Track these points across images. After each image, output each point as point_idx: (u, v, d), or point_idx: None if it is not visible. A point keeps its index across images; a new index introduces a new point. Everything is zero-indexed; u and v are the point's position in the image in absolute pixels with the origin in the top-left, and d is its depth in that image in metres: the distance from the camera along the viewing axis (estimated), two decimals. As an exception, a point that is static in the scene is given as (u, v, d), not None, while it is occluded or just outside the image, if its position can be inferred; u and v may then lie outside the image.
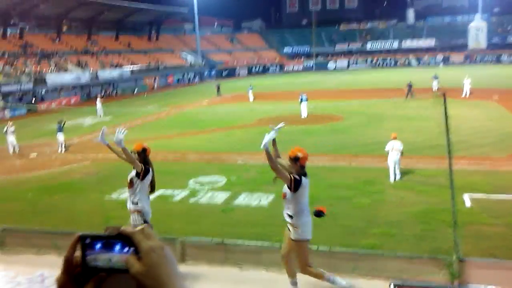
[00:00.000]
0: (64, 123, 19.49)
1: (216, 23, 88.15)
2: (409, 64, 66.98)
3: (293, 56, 76.78)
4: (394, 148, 11.95)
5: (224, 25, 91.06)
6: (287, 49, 78.52)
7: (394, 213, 9.68)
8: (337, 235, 8.41)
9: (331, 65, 71.27)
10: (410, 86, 28.90)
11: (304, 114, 23.93)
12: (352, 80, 46.95)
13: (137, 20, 63.91)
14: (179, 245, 6.97)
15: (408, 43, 72.40)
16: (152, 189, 6.74)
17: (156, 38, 67.83)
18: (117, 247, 0.75)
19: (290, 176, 5.62)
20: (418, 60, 67.61)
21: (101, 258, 0.75)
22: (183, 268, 7.00)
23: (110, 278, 0.75)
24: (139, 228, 0.78)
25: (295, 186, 5.65)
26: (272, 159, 5.68)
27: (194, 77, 62.59)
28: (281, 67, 72.36)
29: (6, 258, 7.96)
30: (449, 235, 6.80)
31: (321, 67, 69.62)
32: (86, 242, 0.76)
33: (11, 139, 18.99)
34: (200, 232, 8.48)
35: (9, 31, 47.75)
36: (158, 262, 0.75)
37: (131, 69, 52.23)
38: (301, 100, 24.09)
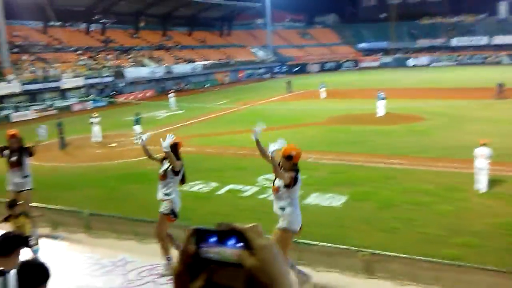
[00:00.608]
0: (140, 116, 20.51)
1: (288, 18, 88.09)
2: (499, 62, 62.76)
3: (369, 52, 74.69)
4: (481, 155, 11.26)
5: (296, 20, 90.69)
6: (362, 45, 76.46)
7: (479, 223, 9.16)
8: (414, 243, 8.12)
9: (410, 62, 68.43)
10: (500, 85, 27.14)
11: (380, 113, 23.30)
12: (434, 78, 44.89)
13: (210, 15, 65.49)
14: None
15: (499, 39, 67.76)
16: (183, 181, 7.42)
17: (228, 34, 69.14)
18: (230, 242, 0.79)
19: (291, 175, 6.03)
20: (511, 57, 63.16)
21: (214, 251, 0.79)
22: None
23: (220, 270, 0.79)
24: (250, 225, 0.82)
25: (294, 183, 6.08)
26: (266, 154, 6.23)
27: (265, 72, 63.04)
28: (356, 63, 70.78)
29: (91, 240, 8.61)
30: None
31: (400, 64, 67.15)
32: (200, 235, 0.81)
33: (95, 128, 20.35)
34: (269, 230, 8.54)
35: (92, 27, 50.91)
36: (271, 258, 0.79)
37: (203, 64, 53.70)
38: (378, 98, 23.48)
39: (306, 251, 6.96)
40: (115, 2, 49.30)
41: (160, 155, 7.50)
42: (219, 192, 12.16)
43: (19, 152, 8.57)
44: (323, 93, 33.58)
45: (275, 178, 6.26)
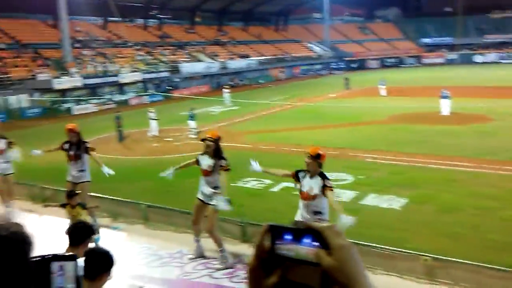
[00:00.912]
0: (194, 112, 21.02)
1: (346, 12, 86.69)
2: None
3: (433, 48, 72.14)
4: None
5: (355, 14, 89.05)
6: (426, 40, 73.95)
7: (552, 232, 8.70)
8: (478, 249, 7.84)
9: (478, 58, 65.41)
10: None
11: (445, 112, 22.56)
12: (504, 76, 42.70)
13: (266, 10, 65.71)
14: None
15: None
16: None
17: (283, 29, 69.11)
18: (306, 240, 0.82)
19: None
20: None
21: (290, 248, 0.82)
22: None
23: (295, 268, 0.82)
24: (328, 225, 0.84)
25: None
26: (279, 174, 7.05)
27: (322, 68, 62.51)
28: (418, 59, 68.60)
29: (149, 232, 9.01)
30: None
31: (466, 60, 64.33)
32: (275, 232, 0.83)
33: (153, 123, 21.14)
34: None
35: (149, 22, 52.60)
36: (348, 259, 0.80)
37: (258, 60, 54.05)
38: (442, 97, 22.74)
39: (364, 254, 6.91)
40: (173, -2, 50.63)
41: (192, 161, 7.84)
42: (273, 189, 12.25)
43: (77, 146, 9.05)
44: (383, 90, 32.88)
45: (305, 185, 6.35)
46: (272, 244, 0.83)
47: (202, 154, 7.53)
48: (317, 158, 6.23)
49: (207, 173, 7.44)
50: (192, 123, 20.53)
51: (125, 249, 8.04)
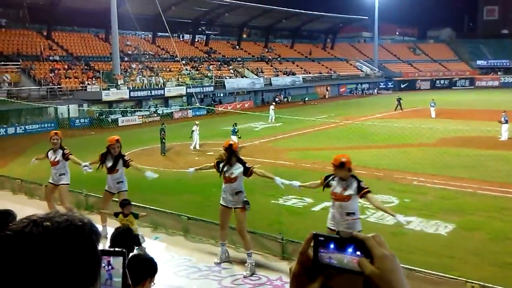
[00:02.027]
0: (237, 127, 21.29)
1: (397, 31, 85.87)
2: None
3: (488, 70, 70.20)
4: None
5: (407, 34, 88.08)
6: (480, 62, 72.07)
7: None
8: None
9: (535, 82, 63.27)
10: None
11: (504, 137, 22.07)
12: None
13: (314, 28, 66.07)
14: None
15: None
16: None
17: (331, 47, 69.13)
18: (349, 249, 0.86)
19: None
20: None
21: (333, 256, 0.87)
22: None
23: (338, 276, 0.86)
24: (372, 234, 0.89)
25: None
26: (314, 186, 7.28)
27: (369, 88, 61.95)
28: (472, 81, 66.82)
29: (189, 244, 9.17)
30: None
31: (523, 84, 62.38)
32: (319, 240, 0.88)
33: (195, 136, 21.57)
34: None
35: (196, 38, 53.98)
36: (391, 268, 0.85)
37: (303, 77, 54.23)
38: (503, 121, 22.28)
39: (408, 278, 6.80)
40: (221, 14, 51.83)
41: (210, 164, 8.42)
42: (314, 209, 12.20)
43: (116, 158, 9.40)
44: (433, 112, 32.20)
45: (338, 187, 6.66)
46: (315, 252, 0.88)
47: (223, 163, 8.02)
48: (341, 167, 6.49)
49: (228, 180, 7.93)
50: (234, 138, 20.79)
51: (164, 260, 8.18)
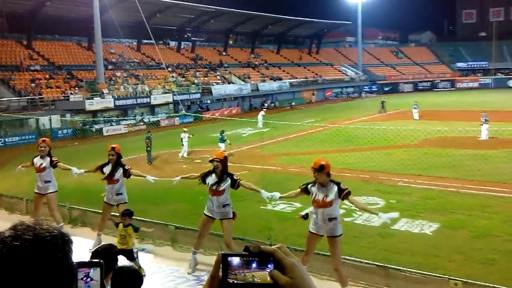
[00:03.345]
0: (224, 134, 21.17)
1: (380, 36, 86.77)
2: None
3: (467, 72, 71.37)
4: None
5: (389, 38, 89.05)
6: (460, 64, 73.26)
7: None
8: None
9: (512, 83, 64.62)
10: None
11: (483, 136, 22.50)
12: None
13: (299, 33, 66.44)
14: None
15: None
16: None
17: (316, 52, 69.55)
18: (254, 265, 0.89)
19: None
20: None
21: (242, 274, 0.89)
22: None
23: None
24: (277, 246, 0.93)
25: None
26: (295, 195, 7.19)
27: (354, 91, 62.44)
28: (452, 83, 67.88)
29: (177, 254, 9.03)
30: None
31: (500, 85, 63.52)
32: (228, 261, 0.90)
33: (184, 144, 21.35)
34: (356, 254, 8.52)
35: (182, 45, 53.78)
36: (301, 275, 0.89)
37: (290, 82, 54.44)
38: (483, 121, 22.87)
39: (392, 277, 6.89)
40: (206, 21, 51.80)
41: (197, 174, 8.43)
42: (303, 213, 12.22)
43: (115, 167, 9.22)
44: (416, 114, 32.57)
45: (319, 194, 6.65)
46: (224, 272, 0.89)
47: (209, 174, 7.99)
48: (321, 170, 6.49)
49: (215, 192, 7.89)
50: (222, 146, 20.77)
51: (151, 271, 8.04)
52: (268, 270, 0.88)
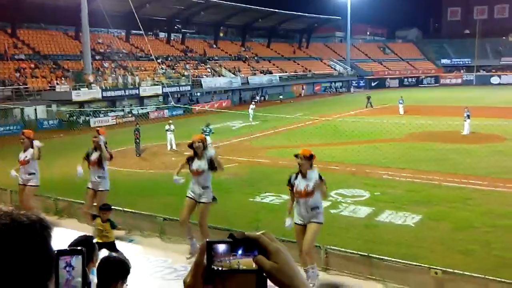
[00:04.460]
0: (210, 127, 20.74)
1: (368, 31, 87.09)
2: None
3: (451, 69, 72.17)
4: None
5: (377, 34, 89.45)
6: (444, 61, 74.10)
7: None
8: (491, 266, 7.85)
9: (495, 80, 65.40)
10: None
11: (466, 131, 22.91)
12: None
13: (290, 27, 66.33)
14: (323, 252, 7.28)
15: None
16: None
17: (306, 46, 69.57)
18: (239, 251, 0.89)
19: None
20: None
21: (226, 260, 0.89)
22: (326, 276, 7.29)
23: (232, 278, 0.88)
24: (262, 232, 0.93)
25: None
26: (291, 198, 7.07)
27: (342, 86, 62.68)
28: (437, 79, 68.63)
29: (165, 245, 8.94)
30: None
31: (483, 81, 64.48)
32: (213, 247, 0.88)
33: (170, 136, 21.22)
34: (341, 245, 8.63)
35: (172, 36, 53.21)
36: (286, 260, 0.90)
37: (280, 76, 54.43)
38: (466, 116, 23.25)
39: (375, 266, 7.03)
40: (196, 12, 51.21)
41: (182, 162, 8.43)
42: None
43: (96, 150, 9.21)
44: (401, 108, 32.88)
45: (300, 185, 6.75)
46: (209, 259, 0.88)
47: (192, 157, 8.08)
48: (310, 159, 6.69)
49: (197, 173, 7.98)
50: (208, 139, 20.53)
51: (139, 262, 7.89)
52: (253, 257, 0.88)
